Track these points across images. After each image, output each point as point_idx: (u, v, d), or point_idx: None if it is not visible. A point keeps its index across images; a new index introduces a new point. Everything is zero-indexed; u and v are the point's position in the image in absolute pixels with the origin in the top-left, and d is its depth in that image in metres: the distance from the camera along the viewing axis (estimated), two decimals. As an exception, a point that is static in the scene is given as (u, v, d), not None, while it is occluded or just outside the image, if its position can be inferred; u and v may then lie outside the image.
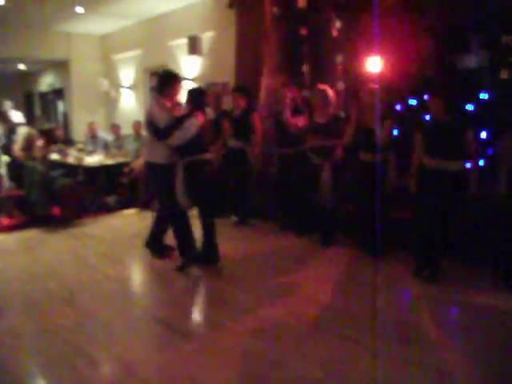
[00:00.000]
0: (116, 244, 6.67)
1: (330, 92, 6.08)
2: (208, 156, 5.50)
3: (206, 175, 5.48)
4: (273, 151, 6.94)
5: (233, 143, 7.20)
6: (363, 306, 4.39)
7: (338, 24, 6.90)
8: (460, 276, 5.03)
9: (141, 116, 10.56)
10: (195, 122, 5.28)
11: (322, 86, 6.15)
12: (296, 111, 6.56)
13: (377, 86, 5.58)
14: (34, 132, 8.18)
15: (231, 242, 6.33)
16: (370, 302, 4.49)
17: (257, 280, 5.12)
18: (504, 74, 5.53)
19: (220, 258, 5.56)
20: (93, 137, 10.07)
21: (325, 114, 6.04)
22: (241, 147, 7.12)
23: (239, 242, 6.45)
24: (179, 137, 5.18)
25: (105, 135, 10.32)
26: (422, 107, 5.63)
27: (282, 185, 6.85)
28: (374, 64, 5.94)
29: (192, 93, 5.63)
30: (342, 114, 6.18)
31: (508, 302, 4.41)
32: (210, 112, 7.70)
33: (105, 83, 12.16)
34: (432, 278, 4.89)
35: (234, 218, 7.40)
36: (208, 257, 5.54)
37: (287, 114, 6.55)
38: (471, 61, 6.02)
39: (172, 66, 9.95)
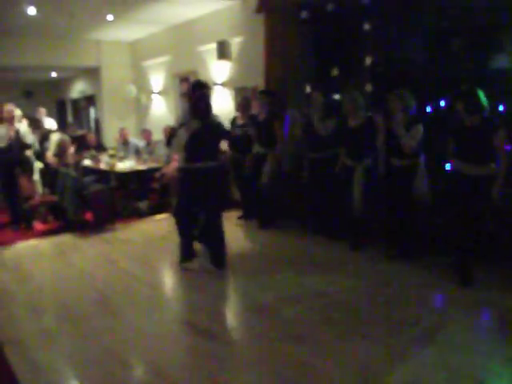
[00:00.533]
0: (147, 248, 6.77)
1: (359, 96, 6.08)
2: (205, 164, 5.45)
3: (200, 183, 5.49)
4: (303, 155, 6.95)
5: (257, 149, 7.28)
6: (392, 310, 4.38)
7: (366, 26, 6.90)
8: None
9: (171, 121, 10.70)
10: (185, 131, 5.38)
11: (352, 90, 6.17)
12: (326, 115, 6.58)
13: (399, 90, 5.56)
14: (66, 138, 8.35)
15: (256, 244, 6.37)
16: (398, 305, 4.48)
17: (285, 283, 5.15)
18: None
19: (224, 263, 5.70)
20: (124, 143, 10.21)
21: (357, 117, 6.03)
22: (264, 153, 7.19)
23: (267, 246, 6.49)
24: (173, 145, 5.32)
25: (136, 141, 10.46)
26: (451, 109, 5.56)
27: (313, 188, 6.84)
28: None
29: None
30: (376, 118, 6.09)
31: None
32: (239, 117, 7.81)
33: (133, 89, 12.31)
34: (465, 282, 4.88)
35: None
36: (215, 261, 5.71)
37: (316, 118, 6.58)
38: (503, 61, 5.97)
39: (201, 72, 10.06)
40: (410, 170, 5.47)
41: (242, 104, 7.80)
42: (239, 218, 8.00)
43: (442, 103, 6.05)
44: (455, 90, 5.28)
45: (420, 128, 5.43)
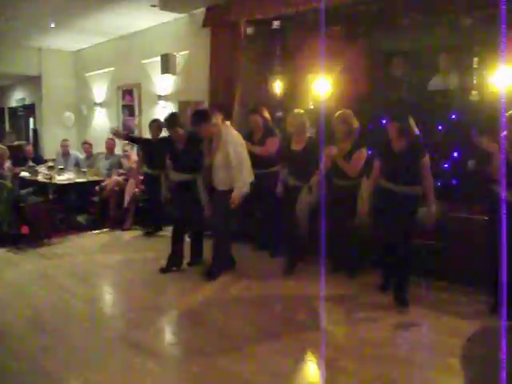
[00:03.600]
0: (86, 264, 6.60)
1: (306, 119, 6.01)
2: (177, 176, 6.05)
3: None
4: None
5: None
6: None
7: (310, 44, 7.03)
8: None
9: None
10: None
11: (297, 111, 6.10)
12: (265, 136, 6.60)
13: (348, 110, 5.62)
14: (4, 149, 8.10)
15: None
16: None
17: (232, 295, 5.14)
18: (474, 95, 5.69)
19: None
20: (65, 154, 10.01)
21: (300, 140, 5.98)
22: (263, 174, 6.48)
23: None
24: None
25: (77, 153, 10.28)
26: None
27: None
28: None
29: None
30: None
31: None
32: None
33: (72, 117, 12.10)
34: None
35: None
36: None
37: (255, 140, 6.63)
38: (440, 82, 6.19)
39: (145, 84, 10.01)
40: (353, 190, 5.54)
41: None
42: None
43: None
44: (388, 113, 5.36)
45: (363, 152, 5.52)
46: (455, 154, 5.79)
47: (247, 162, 5.60)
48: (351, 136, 5.54)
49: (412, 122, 4.82)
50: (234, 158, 5.47)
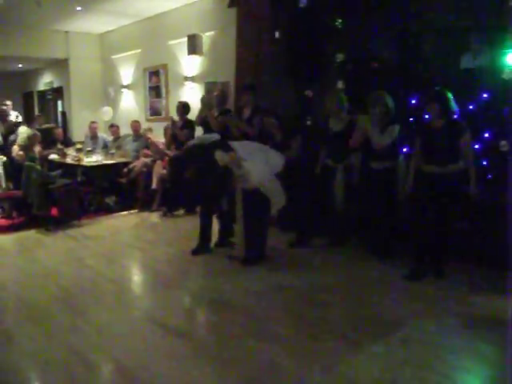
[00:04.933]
0: (114, 245, 6.68)
1: (344, 97, 5.97)
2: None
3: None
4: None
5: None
6: (359, 306, 4.39)
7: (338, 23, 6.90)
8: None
9: (140, 116, 10.61)
10: None
11: (336, 90, 6.12)
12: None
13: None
14: (37, 133, 8.18)
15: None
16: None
17: (256, 279, 5.13)
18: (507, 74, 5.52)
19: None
20: (93, 137, 10.08)
21: (340, 120, 5.94)
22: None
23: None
24: None
25: (105, 135, 10.34)
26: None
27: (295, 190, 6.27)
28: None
29: None
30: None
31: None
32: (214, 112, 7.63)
33: (110, 111, 12.02)
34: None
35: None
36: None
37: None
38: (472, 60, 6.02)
39: (172, 66, 9.99)
40: (390, 172, 5.49)
41: (219, 96, 7.50)
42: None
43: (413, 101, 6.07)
44: (427, 91, 5.31)
45: (396, 128, 5.45)
46: (486, 135, 5.62)
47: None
48: (386, 116, 5.49)
49: (451, 99, 4.86)
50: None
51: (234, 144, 5.51)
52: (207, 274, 5.52)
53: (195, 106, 8.55)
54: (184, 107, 8.30)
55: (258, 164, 5.31)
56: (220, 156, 5.39)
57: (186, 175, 6.85)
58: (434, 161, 4.92)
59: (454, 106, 4.87)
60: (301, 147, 6.18)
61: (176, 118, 8.38)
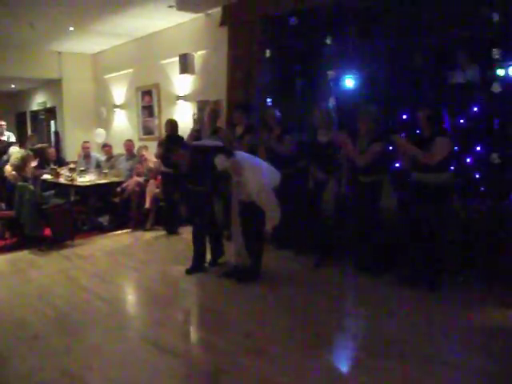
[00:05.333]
0: (108, 265, 6.66)
1: (331, 110, 6.17)
2: None
3: None
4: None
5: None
6: (352, 321, 4.38)
7: (329, 40, 6.98)
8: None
9: (133, 135, 10.65)
10: None
11: (323, 105, 6.29)
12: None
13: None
14: (30, 153, 8.18)
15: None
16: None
17: (252, 297, 5.12)
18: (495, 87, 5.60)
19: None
20: (86, 156, 10.10)
21: (328, 132, 6.07)
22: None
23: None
24: None
25: (97, 155, 10.35)
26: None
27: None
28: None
29: None
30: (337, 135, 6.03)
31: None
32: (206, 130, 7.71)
33: (102, 133, 12.02)
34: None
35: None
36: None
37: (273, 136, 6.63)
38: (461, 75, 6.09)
39: (164, 85, 10.04)
40: (375, 185, 5.56)
41: (210, 115, 7.68)
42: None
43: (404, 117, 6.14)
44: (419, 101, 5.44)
45: (377, 146, 5.52)
46: (478, 148, 5.68)
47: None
48: (372, 131, 5.58)
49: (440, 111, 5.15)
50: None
51: (237, 152, 5.59)
52: (202, 293, 5.53)
53: (187, 125, 8.63)
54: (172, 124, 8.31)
55: (256, 174, 5.35)
56: (221, 160, 5.42)
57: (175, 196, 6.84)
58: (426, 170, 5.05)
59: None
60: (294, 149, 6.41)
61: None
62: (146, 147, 9.29)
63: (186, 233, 7.55)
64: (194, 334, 4.62)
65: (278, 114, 6.67)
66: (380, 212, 5.59)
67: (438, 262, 5.13)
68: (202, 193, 5.83)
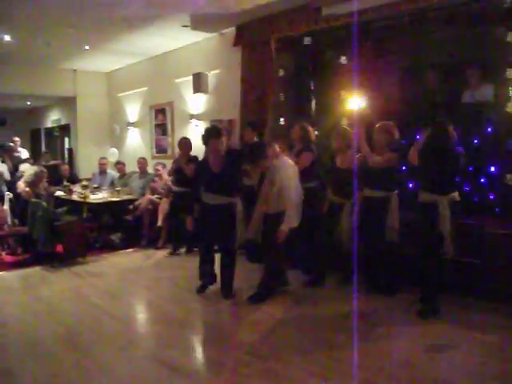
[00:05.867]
0: (119, 282, 6.67)
1: (350, 133, 5.96)
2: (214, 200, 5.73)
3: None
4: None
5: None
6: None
7: (343, 60, 7.03)
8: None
9: (146, 153, 10.71)
10: None
11: (343, 126, 6.21)
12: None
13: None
14: (43, 170, 8.26)
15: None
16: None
17: (265, 318, 5.09)
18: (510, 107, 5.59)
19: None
20: (102, 172, 10.26)
21: (347, 156, 5.93)
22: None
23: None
24: None
25: (113, 172, 10.44)
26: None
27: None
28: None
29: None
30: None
31: None
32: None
33: (116, 153, 12.04)
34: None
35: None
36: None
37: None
38: (473, 95, 6.08)
39: (177, 104, 10.10)
40: (383, 202, 5.55)
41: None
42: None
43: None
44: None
45: (394, 155, 5.53)
46: (492, 169, 5.65)
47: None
48: (392, 146, 5.57)
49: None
50: (285, 197, 5.36)
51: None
52: (212, 312, 5.49)
53: (200, 143, 8.61)
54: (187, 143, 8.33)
55: (291, 184, 5.39)
56: (255, 165, 5.63)
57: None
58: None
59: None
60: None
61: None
62: (163, 165, 9.31)
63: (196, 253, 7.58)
64: (204, 354, 4.58)
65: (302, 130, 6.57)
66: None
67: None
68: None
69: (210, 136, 5.70)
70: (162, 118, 10.81)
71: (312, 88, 7.76)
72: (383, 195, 5.56)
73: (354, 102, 5.90)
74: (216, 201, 5.67)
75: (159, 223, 8.44)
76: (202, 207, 5.82)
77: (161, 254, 8.16)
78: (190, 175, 7.25)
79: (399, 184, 5.80)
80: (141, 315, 5.75)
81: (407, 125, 6.05)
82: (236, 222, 5.79)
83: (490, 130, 5.73)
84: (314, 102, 7.73)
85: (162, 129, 10.89)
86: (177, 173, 8.03)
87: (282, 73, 7.71)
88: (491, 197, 5.64)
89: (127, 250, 8.45)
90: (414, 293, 5.32)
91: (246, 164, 5.96)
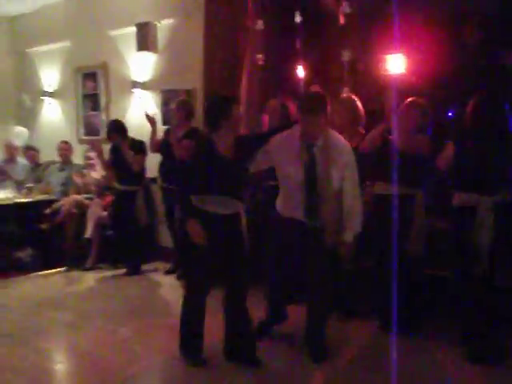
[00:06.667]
0: (28, 320, 6.54)
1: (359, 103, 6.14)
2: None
3: None
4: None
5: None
6: None
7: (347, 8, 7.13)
8: None
9: (70, 135, 10.60)
10: None
11: (347, 95, 6.31)
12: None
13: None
14: None
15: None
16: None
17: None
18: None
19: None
20: (10, 160, 10.27)
21: (355, 135, 6.08)
22: None
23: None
24: None
25: (26, 161, 10.41)
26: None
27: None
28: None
29: None
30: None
31: None
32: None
33: (24, 134, 11.78)
34: None
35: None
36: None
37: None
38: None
39: (114, 66, 10.04)
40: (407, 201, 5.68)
41: (181, 111, 7.87)
42: None
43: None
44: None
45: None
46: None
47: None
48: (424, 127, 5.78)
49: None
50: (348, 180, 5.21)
51: None
52: (160, 358, 5.53)
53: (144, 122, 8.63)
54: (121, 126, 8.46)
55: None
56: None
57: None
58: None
59: None
60: None
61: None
62: (98, 145, 8.97)
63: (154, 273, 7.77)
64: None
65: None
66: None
67: None
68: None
69: (230, 103, 5.06)
70: (92, 85, 10.71)
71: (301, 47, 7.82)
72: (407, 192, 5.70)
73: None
74: (229, 209, 5.08)
75: (88, 234, 8.48)
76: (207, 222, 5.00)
77: (90, 277, 8.20)
78: (181, 156, 7.10)
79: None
80: (60, 368, 5.60)
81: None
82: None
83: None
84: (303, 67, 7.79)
85: (92, 101, 10.81)
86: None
87: (260, 25, 7.74)
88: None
89: (42, 273, 8.45)
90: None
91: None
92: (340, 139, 5.22)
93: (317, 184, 5.05)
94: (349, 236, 5.20)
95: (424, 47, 6.59)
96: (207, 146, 5.04)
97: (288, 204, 5.31)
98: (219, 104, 5.06)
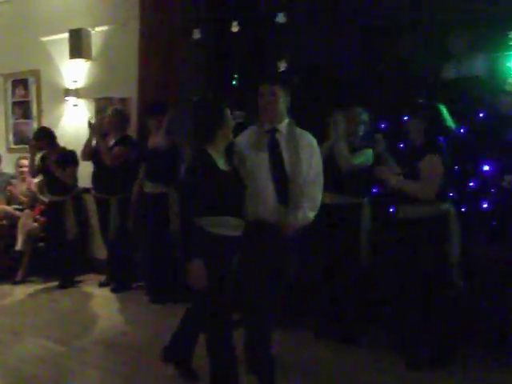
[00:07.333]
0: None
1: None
2: None
3: None
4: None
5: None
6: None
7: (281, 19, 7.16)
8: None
9: (-1, 144, 10.43)
10: None
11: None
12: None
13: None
14: None
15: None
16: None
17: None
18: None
19: None
20: None
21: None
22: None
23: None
24: None
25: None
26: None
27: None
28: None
29: None
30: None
31: None
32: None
33: None
34: None
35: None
36: None
37: None
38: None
39: (47, 74, 9.94)
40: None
41: (114, 120, 7.91)
42: None
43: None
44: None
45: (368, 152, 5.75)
46: (486, 168, 5.66)
47: None
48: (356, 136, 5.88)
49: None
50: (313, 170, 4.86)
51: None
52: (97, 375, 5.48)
53: (82, 132, 8.58)
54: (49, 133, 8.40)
55: None
56: None
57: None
58: None
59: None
60: None
61: None
62: (34, 145, 8.67)
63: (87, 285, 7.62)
64: None
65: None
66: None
67: None
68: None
69: (222, 108, 4.54)
70: (22, 93, 10.57)
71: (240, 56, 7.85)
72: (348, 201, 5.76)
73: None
74: (238, 229, 4.54)
75: (18, 246, 8.35)
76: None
77: (22, 291, 8.08)
78: (112, 162, 7.42)
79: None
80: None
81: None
82: None
83: (482, 115, 5.82)
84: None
85: (23, 109, 10.66)
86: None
87: (197, 34, 7.73)
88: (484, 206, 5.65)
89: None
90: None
91: None
92: (306, 132, 4.92)
93: (284, 168, 4.69)
94: (310, 215, 4.76)
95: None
96: (206, 161, 4.41)
97: (256, 201, 4.67)
98: (212, 111, 4.56)
